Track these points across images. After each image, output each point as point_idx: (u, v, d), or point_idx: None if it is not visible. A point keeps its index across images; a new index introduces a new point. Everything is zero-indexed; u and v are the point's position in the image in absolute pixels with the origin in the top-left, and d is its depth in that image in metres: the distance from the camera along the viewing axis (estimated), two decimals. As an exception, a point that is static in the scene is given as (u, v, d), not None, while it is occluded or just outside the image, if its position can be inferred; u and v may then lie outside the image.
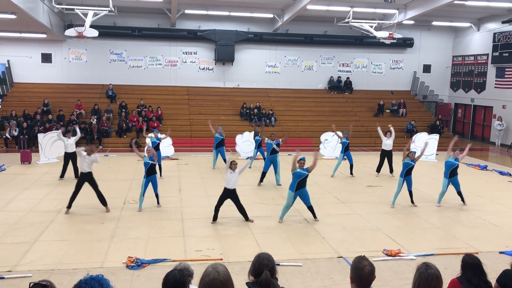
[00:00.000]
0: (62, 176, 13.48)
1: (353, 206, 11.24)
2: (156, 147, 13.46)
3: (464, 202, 11.40)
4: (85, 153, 10.15)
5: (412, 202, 11.27)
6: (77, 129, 14.32)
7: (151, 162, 10.36)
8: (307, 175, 9.56)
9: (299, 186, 9.52)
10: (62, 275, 6.87)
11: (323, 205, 11.23)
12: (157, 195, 10.71)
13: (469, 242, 8.80)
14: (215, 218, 9.65)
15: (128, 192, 12.13)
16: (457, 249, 8.32)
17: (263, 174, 13.29)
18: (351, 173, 14.81)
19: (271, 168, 13.31)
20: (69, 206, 10.15)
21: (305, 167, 9.59)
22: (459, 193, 11.34)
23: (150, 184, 10.51)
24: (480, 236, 9.20)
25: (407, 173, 10.99)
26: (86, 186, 10.24)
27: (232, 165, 9.42)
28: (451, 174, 11.10)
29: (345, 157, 14.77)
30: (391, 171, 14.93)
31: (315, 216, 9.91)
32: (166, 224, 9.52)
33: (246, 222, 9.71)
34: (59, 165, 13.96)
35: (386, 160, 14.85)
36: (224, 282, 2.85)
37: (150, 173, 10.41)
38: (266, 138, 13.29)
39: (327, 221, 9.93)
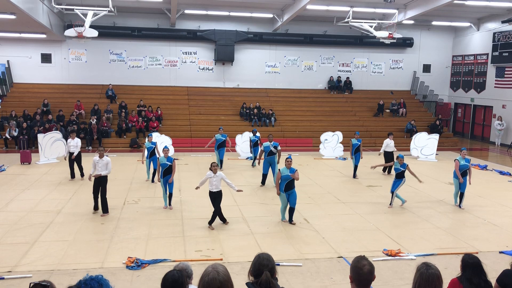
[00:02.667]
0: (81, 175, 13.67)
1: (353, 206, 11.23)
2: (152, 152, 13.29)
3: (461, 203, 11.38)
4: (97, 158, 10.12)
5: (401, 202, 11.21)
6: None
7: (169, 163, 10.55)
8: (292, 179, 9.49)
9: (287, 188, 9.52)
10: (62, 276, 6.87)
11: (323, 205, 11.23)
12: (171, 195, 10.81)
13: (469, 242, 8.80)
14: (223, 220, 9.64)
15: (128, 192, 12.13)
16: (457, 249, 8.32)
17: (264, 176, 13.28)
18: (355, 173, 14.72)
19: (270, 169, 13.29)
20: (95, 208, 10.20)
21: (292, 166, 9.58)
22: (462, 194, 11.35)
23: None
24: (480, 236, 9.20)
25: (398, 176, 10.99)
26: (89, 187, 10.24)
27: (213, 167, 9.30)
28: (463, 174, 11.09)
29: (352, 157, 14.65)
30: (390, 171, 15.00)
31: (291, 220, 9.73)
32: (166, 224, 9.52)
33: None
34: (59, 166, 13.96)
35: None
36: (224, 282, 2.85)
37: (166, 173, 10.55)
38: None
39: (327, 221, 9.92)
